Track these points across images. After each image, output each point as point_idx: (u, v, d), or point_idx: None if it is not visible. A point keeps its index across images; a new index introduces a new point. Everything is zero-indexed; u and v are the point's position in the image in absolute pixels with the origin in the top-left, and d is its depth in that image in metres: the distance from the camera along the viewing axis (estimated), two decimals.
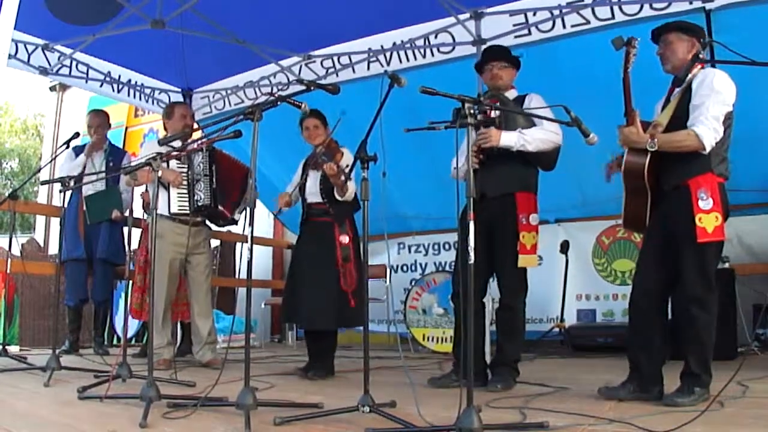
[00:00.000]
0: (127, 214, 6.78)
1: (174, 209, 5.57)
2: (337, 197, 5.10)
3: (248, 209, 3.49)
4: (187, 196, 5.61)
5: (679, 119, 3.57)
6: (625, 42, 3.53)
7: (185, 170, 5.61)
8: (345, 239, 5.13)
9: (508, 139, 4.38)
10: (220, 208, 5.67)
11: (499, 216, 4.38)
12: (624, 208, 3.78)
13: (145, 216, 6.38)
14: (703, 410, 3.10)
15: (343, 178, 4.89)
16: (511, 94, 4.69)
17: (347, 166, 4.89)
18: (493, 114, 4.32)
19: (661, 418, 3.15)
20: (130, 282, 6.37)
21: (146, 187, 5.79)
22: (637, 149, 3.60)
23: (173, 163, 5.51)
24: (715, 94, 3.52)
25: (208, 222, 6.06)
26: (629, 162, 3.61)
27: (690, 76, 3.66)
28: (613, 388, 3.75)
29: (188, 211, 5.58)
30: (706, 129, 3.46)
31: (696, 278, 3.53)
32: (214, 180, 5.63)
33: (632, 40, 3.53)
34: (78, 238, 6.82)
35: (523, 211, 4.44)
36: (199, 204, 5.58)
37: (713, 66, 4.22)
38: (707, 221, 3.49)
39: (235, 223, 5.90)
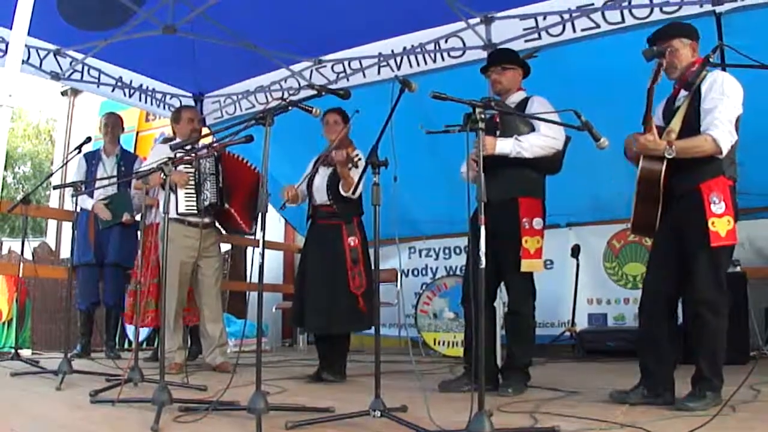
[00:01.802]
0: (138, 218, 6.84)
1: (182, 209, 5.58)
2: (342, 192, 5.09)
3: (260, 213, 3.49)
4: (194, 195, 5.62)
5: (691, 123, 3.56)
6: (656, 53, 3.51)
7: (192, 171, 5.62)
8: (353, 241, 5.13)
9: (504, 146, 4.38)
10: (227, 206, 5.68)
11: (502, 221, 4.32)
12: (634, 213, 3.76)
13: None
14: (715, 414, 3.10)
15: (350, 166, 4.89)
16: (518, 96, 4.69)
17: (357, 156, 4.90)
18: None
19: (673, 422, 3.15)
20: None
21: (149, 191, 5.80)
22: (652, 156, 3.59)
23: (180, 165, 5.51)
24: (726, 98, 3.52)
25: (218, 226, 6.07)
26: (645, 169, 3.59)
27: (698, 79, 3.65)
28: (624, 392, 3.75)
29: (196, 211, 5.59)
30: (723, 133, 3.46)
31: (708, 282, 3.51)
32: (220, 179, 5.65)
33: (664, 52, 3.52)
34: (88, 243, 6.85)
35: (526, 216, 4.43)
36: (206, 203, 5.59)
37: (723, 69, 4.20)
38: (720, 225, 3.49)
39: (252, 235, 5.91)
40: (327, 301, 5.04)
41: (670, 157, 3.47)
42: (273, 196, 5.27)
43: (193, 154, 5.17)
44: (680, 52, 3.74)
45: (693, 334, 3.56)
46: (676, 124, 3.59)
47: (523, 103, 4.59)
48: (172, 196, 5.49)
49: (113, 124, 7.27)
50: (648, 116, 3.56)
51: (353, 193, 5.03)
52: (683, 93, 3.74)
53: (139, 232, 7.00)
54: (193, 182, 5.62)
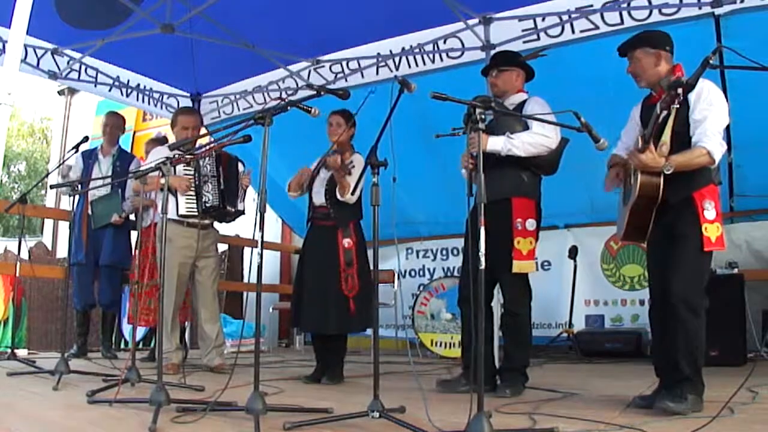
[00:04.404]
0: (132, 217, 6.84)
1: (182, 211, 5.56)
2: (338, 196, 5.11)
3: (259, 214, 3.48)
4: (194, 198, 5.60)
5: (680, 133, 3.58)
6: (673, 84, 3.51)
7: (191, 173, 5.60)
8: (348, 243, 5.13)
9: (495, 143, 4.38)
10: (228, 208, 5.67)
11: (494, 221, 4.29)
12: (627, 222, 3.76)
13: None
14: (714, 416, 3.09)
15: (344, 173, 4.89)
16: (518, 97, 4.67)
17: (351, 164, 4.89)
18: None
19: (672, 423, 3.15)
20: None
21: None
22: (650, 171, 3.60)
23: (179, 166, 5.48)
24: (715, 108, 3.57)
25: (216, 223, 6.06)
26: (645, 183, 3.58)
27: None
28: (646, 397, 3.71)
29: (196, 213, 5.57)
30: (715, 144, 3.50)
31: (691, 283, 3.53)
32: (221, 181, 5.63)
33: (682, 82, 3.52)
34: (80, 242, 6.83)
35: (519, 216, 4.43)
36: (207, 205, 5.57)
37: (722, 72, 4.19)
38: (711, 231, 3.55)
39: (243, 213, 5.86)
40: (320, 302, 5.06)
41: (668, 173, 3.48)
42: (272, 198, 5.28)
43: (191, 155, 5.17)
44: (642, 62, 3.80)
45: (671, 333, 3.55)
46: (666, 136, 3.59)
47: (522, 104, 4.58)
48: (172, 197, 5.48)
49: (113, 124, 7.25)
50: (651, 137, 3.56)
51: (352, 194, 5.03)
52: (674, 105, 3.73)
53: (132, 232, 7.04)
54: (193, 186, 5.59)
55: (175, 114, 6.16)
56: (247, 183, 5.84)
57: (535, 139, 4.39)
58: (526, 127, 4.46)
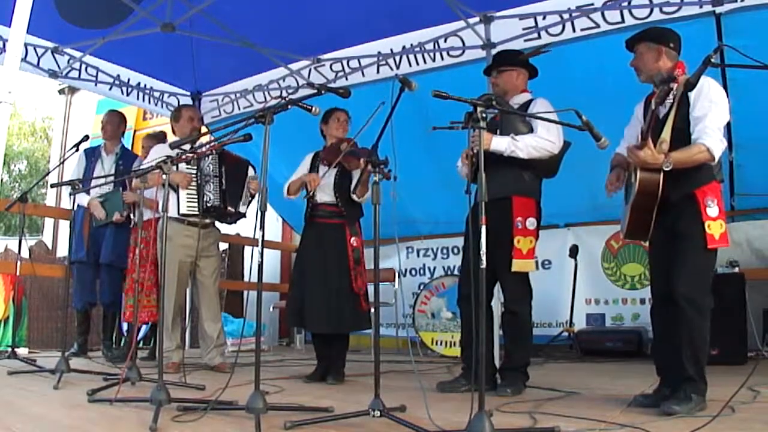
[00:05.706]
0: (133, 216, 6.82)
1: (183, 210, 5.55)
2: (355, 197, 5.08)
3: (259, 213, 3.47)
4: (196, 197, 5.60)
5: (681, 130, 3.57)
6: (665, 80, 3.52)
7: (194, 172, 5.59)
8: (355, 241, 5.12)
9: (499, 144, 4.37)
10: (229, 208, 5.66)
11: (495, 220, 4.27)
12: (629, 220, 3.76)
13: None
14: (715, 415, 3.09)
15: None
16: (522, 97, 4.65)
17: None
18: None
19: (673, 422, 3.14)
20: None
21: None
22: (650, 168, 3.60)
23: (182, 165, 5.46)
24: (715, 106, 3.56)
25: (216, 222, 6.04)
26: (644, 180, 3.58)
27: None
28: (648, 396, 3.71)
29: (197, 212, 5.57)
30: (714, 141, 3.49)
31: (695, 280, 3.53)
32: (223, 181, 5.63)
33: (674, 78, 3.53)
34: (82, 240, 6.82)
35: (519, 215, 4.42)
36: (209, 205, 5.57)
37: (723, 70, 4.18)
38: (714, 228, 3.53)
39: (244, 216, 5.86)
40: (330, 301, 5.02)
41: (667, 169, 3.47)
42: (271, 196, 5.26)
43: (193, 153, 5.17)
44: (644, 56, 3.82)
45: (675, 333, 3.55)
46: (666, 133, 3.59)
47: (527, 105, 4.56)
48: (173, 196, 5.47)
49: (106, 122, 7.20)
50: (648, 131, 3.56)
51: (363, 194, 5.02)
52: (668, 100, 3.73)
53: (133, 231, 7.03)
54: (195, 183, 5.59)
55: (177, 109, 6.16)
56: (256, 187, 5.80)
57: (539, 143, 4.38)
58: (531, 128, 4.45)
